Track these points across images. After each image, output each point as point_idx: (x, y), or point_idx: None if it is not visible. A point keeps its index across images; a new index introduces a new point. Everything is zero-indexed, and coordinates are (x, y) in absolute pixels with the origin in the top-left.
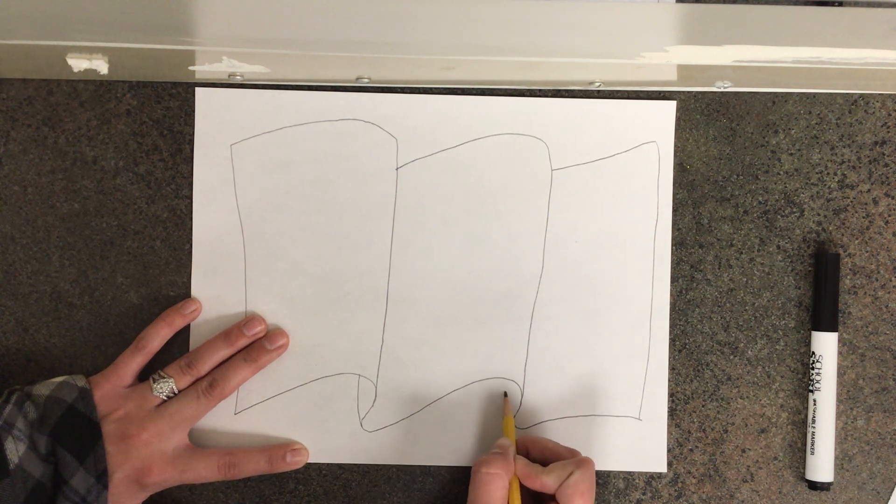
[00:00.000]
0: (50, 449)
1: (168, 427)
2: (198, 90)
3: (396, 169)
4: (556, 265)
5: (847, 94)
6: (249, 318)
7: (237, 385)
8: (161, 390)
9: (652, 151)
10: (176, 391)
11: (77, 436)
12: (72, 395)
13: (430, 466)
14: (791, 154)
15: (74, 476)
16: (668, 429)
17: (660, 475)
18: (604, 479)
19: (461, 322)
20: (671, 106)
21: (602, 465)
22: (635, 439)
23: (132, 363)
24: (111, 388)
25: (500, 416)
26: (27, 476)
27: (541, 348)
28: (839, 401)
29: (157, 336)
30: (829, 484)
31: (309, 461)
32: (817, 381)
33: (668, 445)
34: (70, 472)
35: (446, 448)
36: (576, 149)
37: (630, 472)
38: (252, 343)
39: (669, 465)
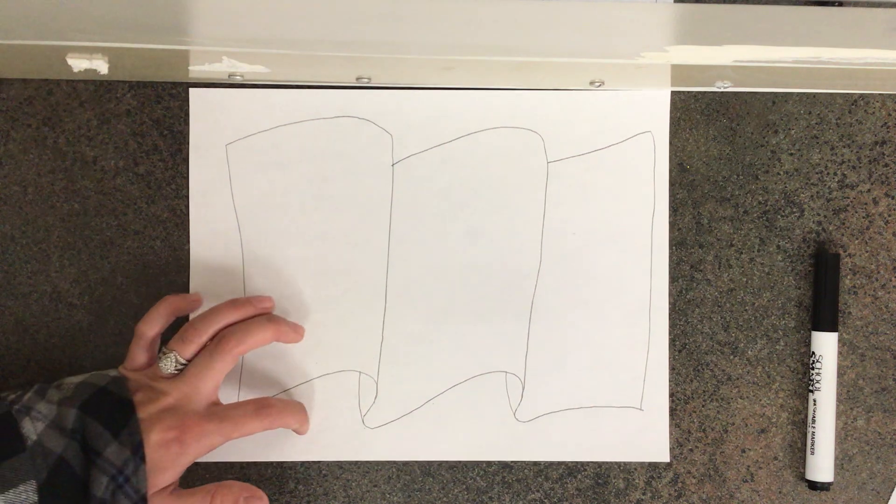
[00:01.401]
0: (78, 424)
1: (192, 390)
2: (192, 91)
3: (392, 165)
4: (554, 258)
5: (847, 94)
6: (258, 296)
7: (253, 344)
8: (167, 367)
9: (647, 142)
10: (183, 361)
11: (109, 411)
12: (104, 381)
13: (430, 466)
14: (791, 154)
15: (108, 448)
16: (669, 427)
17: (660, 475)
18: (604, 479)
19: (460, 317)
20: (665, 95)
21: (605, 456)
22: (637, 430)
23: (138, 355)
24: (133, 374)
25: (502, 409)
26: (47, 452)
27: (541, 341)
28: (839, 401)
29: (153, 322)
30: (829, 484)
31: (311, 460)
32: (817, 381)
33: (669, 439)
34: (102, 443)
35: (449, 443)
36: (571, 141)
37: (630, 473)
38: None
39: (669, 464)
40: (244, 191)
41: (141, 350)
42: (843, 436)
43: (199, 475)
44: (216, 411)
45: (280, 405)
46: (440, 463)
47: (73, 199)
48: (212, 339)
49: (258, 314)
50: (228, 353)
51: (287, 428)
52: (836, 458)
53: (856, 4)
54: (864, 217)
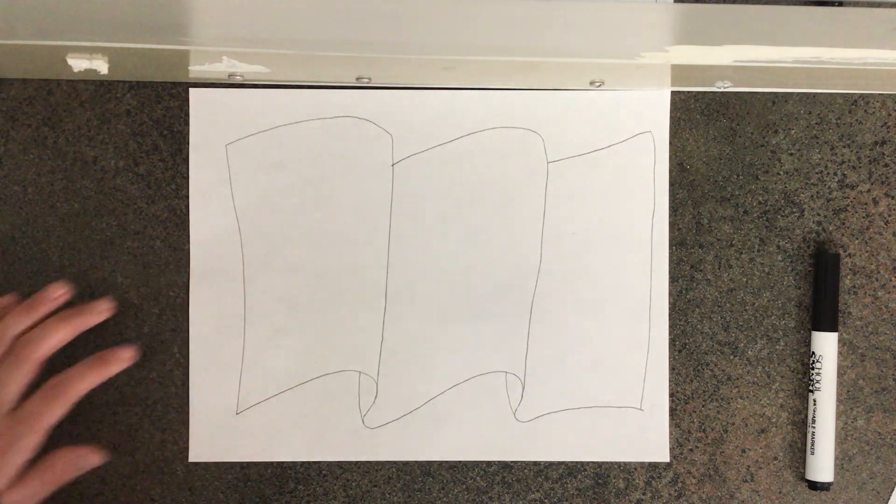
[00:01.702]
0: None
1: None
2: (192, 91)
3: (392, 165)
4: (554, 258)
5: (847, 94)
6: (49, 285)
7: (53, 345)
8: None
9: (647, 142)
10: None
11: None
12: None
13: (430, 466)
14: (791, 154)
15: None
16: (669, 428)
17: (660, 475)
18: (604, 480)
19: (461, 316)
20: (665, 95)
21: (604, 456)
22: (637, 430)
23: None
24: None
25: (502, 409)
26: None
27: (541, 341)
28: (839, 401)
29: None
30: (829, 484)
31: (311, 460)
32: (817, 381)
33: (669, 438)
34: None
35: (449, 443)
36: (571, 141)
37: (630, 473)
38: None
39: (669, 464)
40: (244, 191)
41: None
42: (843, 436)
43: (197, 475)
44: (19, 414)
45: (67, 373)
46: (440, 463)
47: (73, 199)
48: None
49: (54, 309)
50: (26, 360)
51: (93, 383)
52: (836, 458)
53: (856, 4)
54: (864, 217)
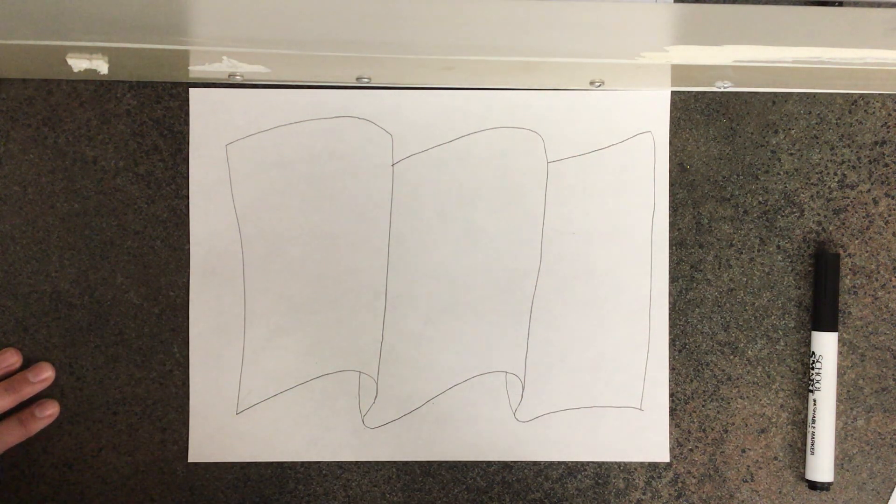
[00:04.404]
0: None
1: None
2: (192, 91)
3: (392, 165)
4: (554, 258)
5: (847, 94)
6: (2, 351)
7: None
8: None
9: (647, 142)
10: None
11: None
12: None
13: (430, 466)
14: (791, 154)
15: None
16: (669, 428)
17: (660, 475)
18: (604, 479)
19: (461, 316)
20: (665, 95)
21: (604, 456)
22: (637, 429)
23: None
24: None
25: (502, 409)
26: None
27: (541, 341)
28: (839, 401)
29: None
30: (829, 484)
31: (311, 460)
32: (817, 381)
33: (669, 438)
34: None
35: (449, 443)
36: (571, 141)
37: (630, 473)
38: (12, 376)
39: (669, 464)
40: (244, 191)
41: None
42: (843, 436)
43: (197, 475)
44: None
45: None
46: (440, 463)
47: (73, 199)
48: None
49: (5, 374)
50: None
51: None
52: (836, 458)
53: (856, 4)
54: (864, 217)
